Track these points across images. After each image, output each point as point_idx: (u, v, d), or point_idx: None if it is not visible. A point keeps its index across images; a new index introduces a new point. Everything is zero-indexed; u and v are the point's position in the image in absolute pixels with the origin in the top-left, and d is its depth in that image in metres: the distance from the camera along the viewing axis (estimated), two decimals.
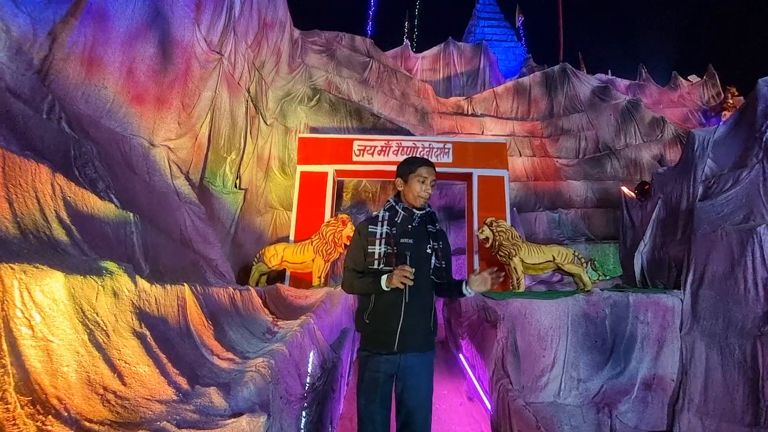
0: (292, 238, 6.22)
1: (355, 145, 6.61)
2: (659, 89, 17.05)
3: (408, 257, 1.94)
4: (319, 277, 5.35)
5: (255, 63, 7.77)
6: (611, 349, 4.98)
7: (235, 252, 6.45)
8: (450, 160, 6.62)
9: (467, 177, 6.76)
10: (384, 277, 1.85)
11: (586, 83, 12.93)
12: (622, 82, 16.48)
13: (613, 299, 5.13)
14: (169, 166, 4.59)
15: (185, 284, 2.46)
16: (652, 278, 6.44)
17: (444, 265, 2.03)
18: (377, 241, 1.94)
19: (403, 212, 2.00)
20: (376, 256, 1.92)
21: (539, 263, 5.41)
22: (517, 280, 5.34)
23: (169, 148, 4.83)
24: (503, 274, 2.27)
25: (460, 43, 16.28)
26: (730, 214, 5.11)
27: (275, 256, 5.48)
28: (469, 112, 12.61)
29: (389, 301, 1.89)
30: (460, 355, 4.81)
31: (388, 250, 1.94)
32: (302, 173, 6.52)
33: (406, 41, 16.28)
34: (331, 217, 6.07)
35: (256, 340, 2.97)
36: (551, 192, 10.15)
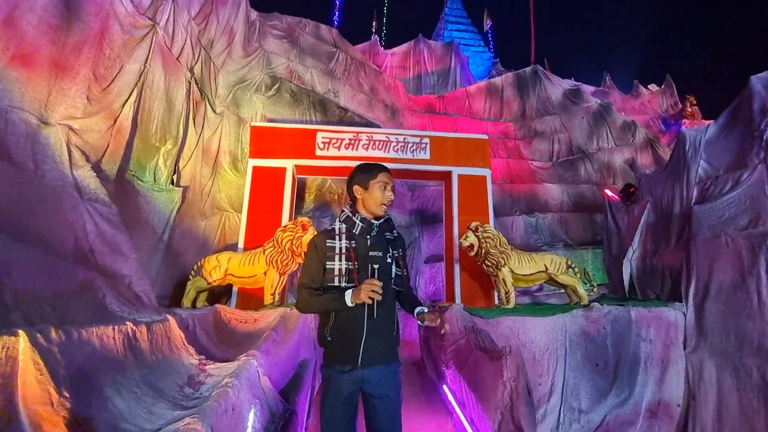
0: (241, 245, 5.18)
1: (319, 137, 5.69)
2: (622, 96, 17.38)
3: (375, 270, 1.81)
4: (273, 294, 4.36)
5: (201, 40, 6.66)
6: (614, 372, 4.35)
7: (170, 263, 5.30)
8: (427, 156, 5.85)
9: (446, 176, 6.02)
10: (349, 293, 1.74)
11: (557, 86, 12.72)
12: (588, 89, 16.60)
13: (613, 315, 4.51)
14: (68, 151, 3.46)
15: (20, 332, 1.50)
16: (642, 288, 5.96)
17: (405, 273, 1.95)
18: (337, 257, 1.81)
19: (360, 223, 1.87)
20: (336, 273, 1.80)
21: (530, 274, 4.73)
22: (507, 294, 4.62)
23: (71, 128, 3.69)
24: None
25: (431, 41, 15.75)
26: (733, 218, 4.66)
27: (217, 269, 4.44)
28: (442, 111, 12.01)
29: (352, 315, 1.78)
30: (444, 387, 3.99)
31: (349, 266, 1.81)
32: (255, 168, 5.51)
33: (375, 37, 15.52)
34: (290, 220, 5.09)
35: (164, 404, 2.00)
36: (527, 195, 9.68)
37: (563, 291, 5.15)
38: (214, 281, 4.42)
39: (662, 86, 19.07)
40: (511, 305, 4.58)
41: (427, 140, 5.90)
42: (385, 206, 1.90)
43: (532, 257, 4.80)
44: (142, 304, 3.35)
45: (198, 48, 6.61)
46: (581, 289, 4.76)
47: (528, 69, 13.13)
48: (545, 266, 4.76)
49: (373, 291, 1.68)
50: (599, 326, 4.36)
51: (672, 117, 17.24)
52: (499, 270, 4.63)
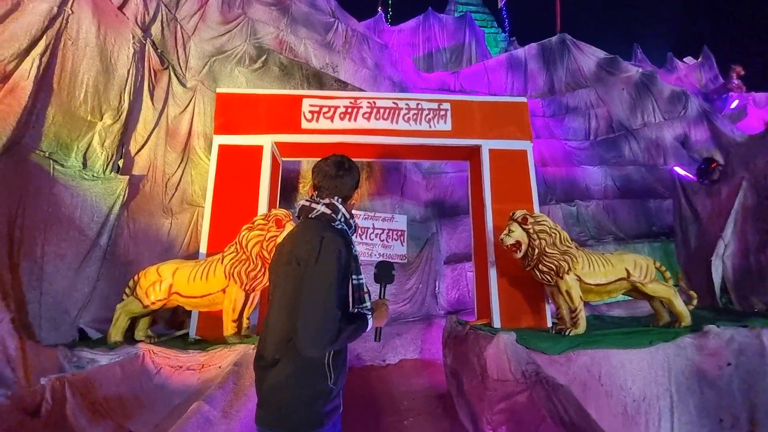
0: (203, 251, 3.86)
1: (306, 105, 4.33)
2: (656, 71, 15.59)
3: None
4: (236, 321, 3.02)
5: None
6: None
7: (114, 275, 4.02)
8: (448, 127, 4.45)
9: (473, 152, 4.59)
10: (371, 317, 1.43)
11: (590, 55, 11.10)
12: None
13: (738, 343, 3.06)
14: None
15: None
16: (742, 294, 4.44)
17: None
18: (360, 268, 1.48)
19: (354, 223, 1.56)
20: (366, 289, 1.46)
21: (606, 283, 3.28)
22: (574, 312, 3.20)
23: None
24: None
25: (442, 15, 14.21)
26: None
27: (158, 286, 3.11)
28: (457, 89, 10.53)
29: (344, 350, 1.43)
30: None
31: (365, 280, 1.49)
32: (222, 148, 4.16)
33: (380, 12, 14.07)
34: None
35: None
36: (564, 180, 8.16)
37: (628, 297, 3.68)
38: (154, 303, 3.10)
39: (699, 59, 17.19)
40: (581, 329, 3.15)
41: (447, 106, 4.48)
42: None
43: (607, 259, 3.35)
44: None
45: (157, 4, 5.30)
46: (680, 304, 3.30)
47: (554, 38, 11.53)
48: (627, 271, 3.31)
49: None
50: (720, 361, 2.90)
51: (714, 91, 15.37)
52: (561, 278, 3.20)
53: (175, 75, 5.62)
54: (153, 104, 5.03)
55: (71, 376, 1.84)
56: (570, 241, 3.30)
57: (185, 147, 5.62)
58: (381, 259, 6.34)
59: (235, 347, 2.61)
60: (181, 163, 5.51)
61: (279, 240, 3.04)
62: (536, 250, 3.24)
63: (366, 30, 11.15)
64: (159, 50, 5.31)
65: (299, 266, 1.32)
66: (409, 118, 4.41)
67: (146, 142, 4.91)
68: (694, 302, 3.49)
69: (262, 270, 3.07)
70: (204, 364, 2.51)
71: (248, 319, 3.22)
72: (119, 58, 4.31)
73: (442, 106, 4.49)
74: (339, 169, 1.51)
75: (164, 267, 3.18)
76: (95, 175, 3.90)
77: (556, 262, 3.19)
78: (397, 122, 4.38)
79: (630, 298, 3.73)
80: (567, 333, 3.12)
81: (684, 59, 17.65)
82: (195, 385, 2.34)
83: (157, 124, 5.11)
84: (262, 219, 3.12)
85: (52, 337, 3.38)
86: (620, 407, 2.76)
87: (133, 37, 4.58)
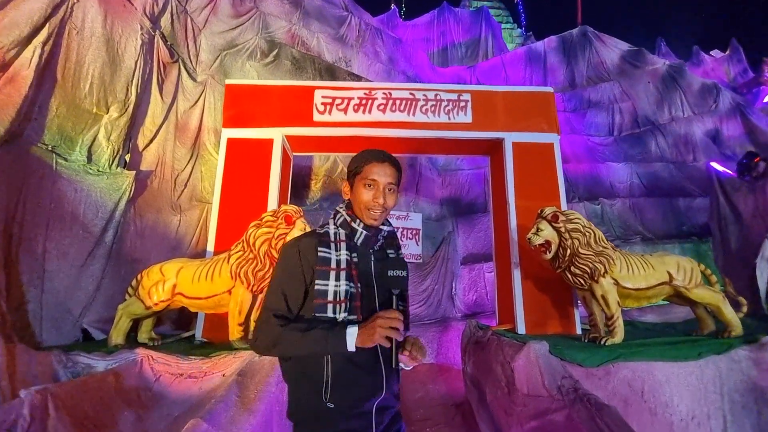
0: (210, 249, 3.68)
1: (318, 97, 4.11)
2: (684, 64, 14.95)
3: (391, 297, 1.25)
4: (242, 325, 2.83)
5: None
6: None
7: (119, 273, 3.88)
8: (468, 119, 4.18)
9: (495, 146, 4.31)
10: (353, 331, 1.15)
11: (613, 48, 10.64)
12: None
13: None
14: None
15: None
16: None
17: (406, 309, 1.29)
18: (332, 273, 1.23)
19: (364, 231, 1.31)
20: (331, 297, 1.21)
21: (647, 288, 2.98)
22: (610, 320, 2.90)
23: None
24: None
25: (457, 9, 13.88)
26: None
27: (161, 286, 2.93)
28: (474, 84, 10.20)
29: (360, 366, 1.21)
30: None
31: (351, 289, 1.23)
32: (231, 141, 3.98)
33: (394, 7, 13.81)
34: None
35: None
36: (586, 177, 7.79)
37: (664, 301, 3.35)
38: (156, 304, 2.92)
39: (727, 51, 16.44)
40: (618, 338, 2.86)
41: (467, 96, 4.22)
42: (372, 214, 1.31)
43: (647, 261, 3.04)
44: None
45: None
46: (729, 311, 2.97)
47: (575, 31, 11.10)
48: (669, 274, 3.00)
49: (393, 328, 1.14)
50: None
51: (744, 85, 14.66)
52: (596, 281, 2.91)
53: (185, 68, 5.47)
54: (162, 98, 4.88)
55: (55, 388, 1.66)
56: (606, 240, 3.01)
57: (195, 142, 5.46)
58: None
59: (240, 354, 2.40)
60: (190, 158, 5.36)
61: (289, 237, 2.84)
62: (568, 251, 2.95)
63: (380, 25, 10.93)
64: (168, 43, 5.17)
65: None
66: (426, 109, 4.16)
67: (155, 136, 4.76)
68: (744, 309, 3.16)
69: (270, 270, 2.86)
70: (207, 371, 2.32)
71: (256, 322, 3.02)
72: (126, 50, 4.17)
73: (462, 97, 4.22)
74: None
75: (168, 266, 3.00)
76: (100, 169, 3.75)
77: (590, 264, 2.90)
78: (414, 114, 4.13)
79: (665, 302, 3.42)
80: (603, 342, 2.82)
81: (711, 52, 16.94)
82: (196, 395, 2.15)
83: (166, 118, 4.97)
84: (271, 215, 2.91)
85: (54, 338, 3.25)
86: (666, 427, 2.47)
87: (141, 28, 4.43)
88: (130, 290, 3.10)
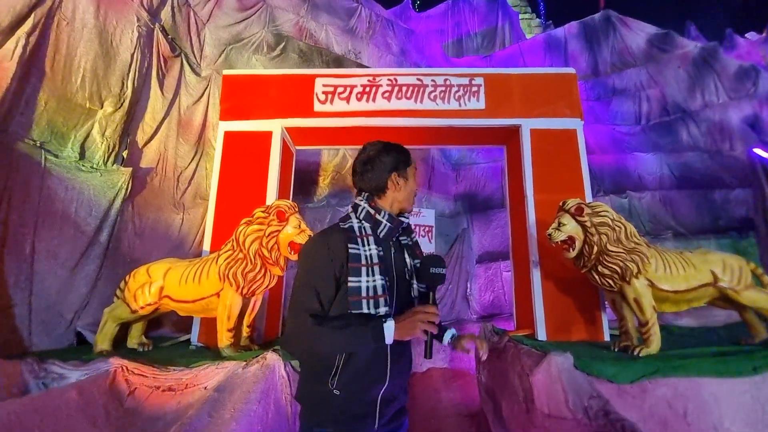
0: (206, 249, 3.49)
1: (319, 86, 3.87)
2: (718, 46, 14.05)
3: (416, 290, 1.38)
4: (232, 330, 2.60)
5: None
6: None
7: (117, 275, 3.73)
8: (481, 105, 3.85)
9: (510, 134, 3.96)
10: (390, 325, 1.20)
11: (638, 32, 10.01)
12: None
13: None
14: None
15: None
16: None
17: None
18: (364, 269, 1.25)
19: (388, 223, 1.36)
20: (365, 294, 1.23)
21: (687, 290, 2.60)
22: (645, 328, 2.55)
23: None
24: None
25: None
26: None
27: (147, 288, 2.74)
28: None
29: (369, 356, 1.26)
30: None
31: (384, 283, 1.27)
32: (227, 135, 3.78)
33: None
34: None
35: None
36: (612, 169, 7.30)
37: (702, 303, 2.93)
38: (143, 308, 2.73)
39: (764, 33, 15.38)
40: (653, 348, 2.50)
41: (480, 81, 3.88)
42: (414, 201, 1.49)
43: (687, 259, 2.66)
44: None
45: None
46: None
47: (597, 15, 10.50)
48: (713, 274, 2.61)
49: (431, 322, 1.22)
50: None
51: None
52: (627, 283, 2.56)
53: (188, 63, 5.32)
54: (162, 93, 4.73)
55: (3, 406, 1.46)
56: (638, 236, 2.64)
57: (199, 139, 5.31)
58: None
59: (224, 364, 2.18)
60: (194, 155, 5.20)
61: (282, 235, 2.60)
62: (595, 248, 2.61)
63: (391, 16, 10.62)
64: (170, 36, 5.02)
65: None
66: (435, 96, 3.85)
67: (155, 133, 4.62)
68: None
69: (262, 271, 2.63)
70: (187, 383, 2.10)
71: (249, 327, 2.80)
72: (122, 42, 4.02)
73: (474, 81, 3.89)
74: (363, 166, 1.42)
75: (155, 267, 2.81)
76: (94, 166, 3.61)
77: (621, 263, 2.55)
78: (421, 101, 3.83)
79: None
80: (636, 353, 2.47)
81: (746, 35, 15.89)
82: (173, 411, 1.93)
83: (167, 114, 4.82)
84: (262, 211, 2.68)
85: (45, 343, 3.12)
86: None
87: (138, 20, 4.28)
88: (118, 292, 2.93)
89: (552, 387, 2.08)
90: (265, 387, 2.01)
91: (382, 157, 1.40)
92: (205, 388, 2.10)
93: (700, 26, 15.90)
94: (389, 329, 1.20)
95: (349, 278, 1.24)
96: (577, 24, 10.47)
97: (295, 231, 2.60)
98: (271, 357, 2.09)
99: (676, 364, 2.25)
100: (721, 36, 15.59)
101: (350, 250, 1.26)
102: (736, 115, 8.09)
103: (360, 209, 1.37)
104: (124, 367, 2.10)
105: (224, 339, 2.56)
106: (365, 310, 1.22)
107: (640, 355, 2.45)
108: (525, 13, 22.62)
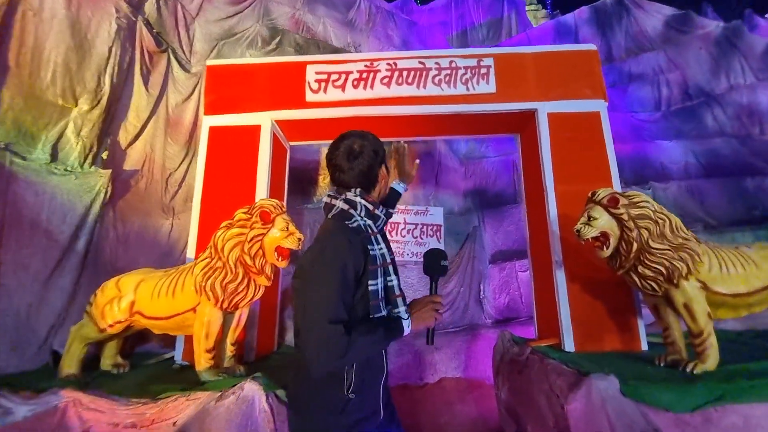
0: (190, 256, 3.15)
1: (311, 73, 3.52)
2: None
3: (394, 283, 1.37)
4: (211, 351, 2.25)
5: None
6: None
7: (98, 287, 3.43)
8: (491, 88, 3.46)
9: (525, 120, 3.56)
10: (408, 322, 1.28)
11: (654, 14, 9.48)
12: None
13: None
14: None
15: None
16: None
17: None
18: (379, 271, 1.27)
19: (385, 218, 1.40)
20: (383, 295, 1.28)
21: (748, 293, 2.18)
22: (699, 339, 2.13)
23: None
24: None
25: None
26: None
27: (116, 304, 2.41)
28: None
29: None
30: None
31: (393, 283, 1.32)
32: (212, 130, 3.45)
33: None
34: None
35: None
36: (633, 159, 6.81)
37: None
38: (111, 326, 2.40)
39: None
40: (711, 364, 2.08)
41: (489, 62, 3.49)
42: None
43: (747, 256, 2.23)
44: None
45: None
46: None
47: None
48: None
49: (437, 310, 1.35)
50: None
51: None
52: (675, 285, 2.14)
53: (176, 59, 5.02)
54: (147, 90, 4.44)
55: None
56: (686, 230, 2.23)
57: (190, 139, 5.00)
58: (414, 258, 5.44)
59: (197, 395, 1.83)
60: (185, 156, 4.89)
61: (267, 239, 2.24)
62: (634, 245, 2.19)
63: (392, 8, 10.26)
64: (155, 30, 4.73)
65: (301, 278, 1.24)
66: (440, 80, 3.46)
67: (140, 132, 4.33)
68: None
69: (245, 281, 2.27)
70: (153, 419, 1.76)
71: (234, 345, 2.45)
72: (98, 34, 3.72)
73: (482, 63, 3.49)
74: (349, 159, 1.33)
75: (126, 279, 2.48)
76: (68, 168, 3.31)
77: (666, 262, 2.13)
78: (425, 87, 3.45)
79: None
80: (690, 369, 2.06)
81: (767, 15, 15.18)
82: None
83: (153, 112, 4.53)
84: (244, 212, 2.32)
85: (14, 365, 2.82)
86: None
87: (117, 12, 3.98)
88: (88, 308, 2.61)
89: (594, 417, 1.69)
90: (242, 423, 1.66)
91: (366, 154, 1.34)
92: (174, 424, 1.75)
93: (717, 8, 15.25)
94: (407, 324, 1.27)
95: (369, 281, 1.23)
96: (587, 9, 9.99)
97: (282, 234, 2.24)
98: (250, 387, 1.73)
99: (744, 385, 1.84)
100: (740, 17, 14.95)
101: (370, 252, 1.25)
102: (766, 97, 7.53)
103: (359, 206, 1.32)
104: (77, 401, 1.77)
105: (202, 361, 2.21)
106: (384, 312, 1.24)
107: (695, 372, 2.03)
108: (530, 4, 22.10)
